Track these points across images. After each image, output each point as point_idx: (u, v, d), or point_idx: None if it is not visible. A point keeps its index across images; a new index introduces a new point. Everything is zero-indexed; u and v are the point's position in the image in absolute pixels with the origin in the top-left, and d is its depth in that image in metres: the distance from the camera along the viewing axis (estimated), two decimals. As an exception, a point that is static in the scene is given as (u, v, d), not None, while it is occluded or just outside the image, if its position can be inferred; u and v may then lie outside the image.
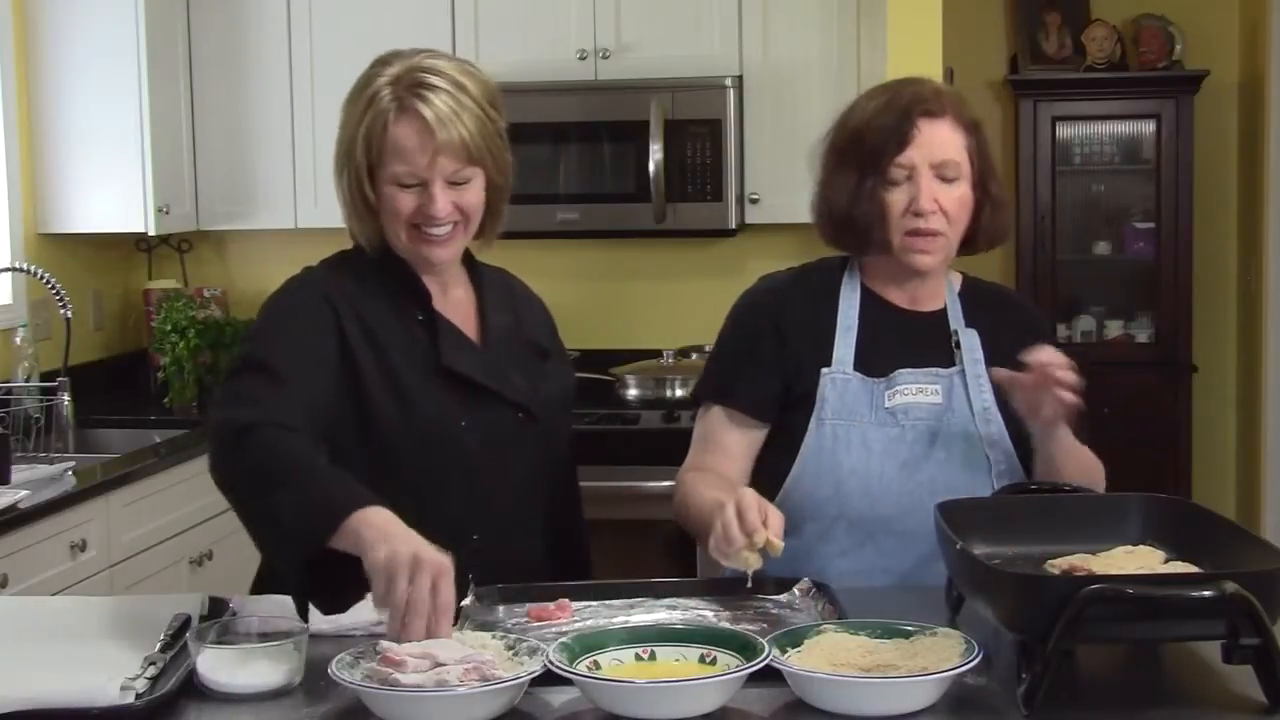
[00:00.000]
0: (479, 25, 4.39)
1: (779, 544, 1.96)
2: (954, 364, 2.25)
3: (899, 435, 2.21)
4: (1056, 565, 1.82)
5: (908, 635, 1.76)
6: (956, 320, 2.29)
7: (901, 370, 2.23)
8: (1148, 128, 5.65)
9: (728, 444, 2.28)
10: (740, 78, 4.29)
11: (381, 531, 1.78)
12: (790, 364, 2.25)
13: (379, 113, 2.08)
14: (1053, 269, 5.68)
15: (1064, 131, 5.69)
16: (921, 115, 2.19)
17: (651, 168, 4.21)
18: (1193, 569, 1.76)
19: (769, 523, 1.96)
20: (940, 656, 1.68)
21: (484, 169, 2.13)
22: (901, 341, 2.26)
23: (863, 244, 2.26)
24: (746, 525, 1.94)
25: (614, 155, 4.34)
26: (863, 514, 2.20)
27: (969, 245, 2.28)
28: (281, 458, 1.90)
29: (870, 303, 2.29)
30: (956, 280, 2.35)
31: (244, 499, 1.94)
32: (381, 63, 2.13)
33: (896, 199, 2.20)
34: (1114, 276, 5.82)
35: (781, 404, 2.26)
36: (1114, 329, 5.73)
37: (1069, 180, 5.73)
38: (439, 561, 1.74)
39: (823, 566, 2.19)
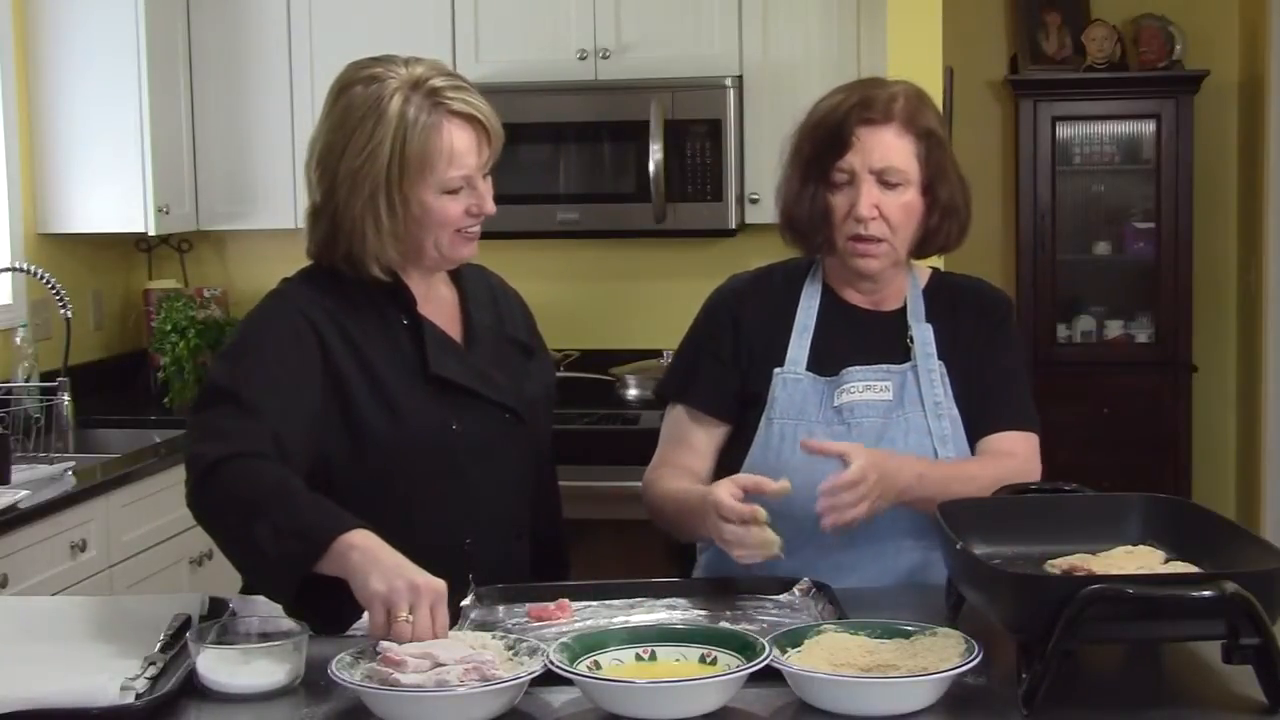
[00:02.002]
0: (479, 25, 4.39)
1: (784, 485, 2.03)
2: (908, 359, 2.25)
3: (844, 433, 2.21)
4: (1056, 565, 1.82)
5: (908, 635, 1.76)
6: (915, 316, 2.28)
7: (851, 368, 2.23)
8: (1148, 128, 5.65)
9: (692, 441, 2.30)
10: (740, 78, 4.29)
11: (371, 558, 1.77)
12: (746, 363, 2.28)
13: (420, 124, 2.04)
14: (1053, 269, 5.68)
15: (1064, 131, 5.69)
16: (861, 123, 2.19)
17: (651, 168, 4.21)
18: (1193, 569, 1.76)
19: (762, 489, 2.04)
20: (940, 656, 1.68)
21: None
22: (857, 341, 2.27)
23: (809, 245, 2.28)
24: (740, 517, 2.00)
25: (614, 155, 4.34)
26: (806, 512, 2.17)
27: (919, 250, 2.28)
28: (256, 488, 1.88)
29: (830, 303, 2.29)
30: (923, 276, 2.35)
31: (224, 533, 1.93)
32: (372, 79, 2.07)
33: (838, 203, 2.22)
34: (1114, 276, 5.82)
35: (741, 402, 2.28)
36: (1114, 329, 5.73)
37: (1069, 180, 5.73)
38: (435, 587, 1.75)
39: (770, 564, 2.19)
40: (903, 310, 2.30)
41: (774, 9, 4.27)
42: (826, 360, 2.25)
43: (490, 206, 2.12)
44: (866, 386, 2.23)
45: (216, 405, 1.99)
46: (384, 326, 2.13)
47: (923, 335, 2.26)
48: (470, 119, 2.08)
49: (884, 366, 2.24)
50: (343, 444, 2.07)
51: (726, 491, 2.03)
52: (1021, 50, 5.71)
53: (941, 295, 2.32)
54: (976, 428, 2.26)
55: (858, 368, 2.23)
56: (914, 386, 2.23)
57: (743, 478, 2.07)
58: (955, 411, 2.24)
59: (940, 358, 2.25)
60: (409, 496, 2.09)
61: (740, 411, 2.28)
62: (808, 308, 2.29)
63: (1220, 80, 5.63)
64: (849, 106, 2.21)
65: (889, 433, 2.21)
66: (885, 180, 2.19)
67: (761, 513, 2.01)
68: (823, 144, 2.22)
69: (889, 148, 2.19)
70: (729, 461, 2.28)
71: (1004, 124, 5.85)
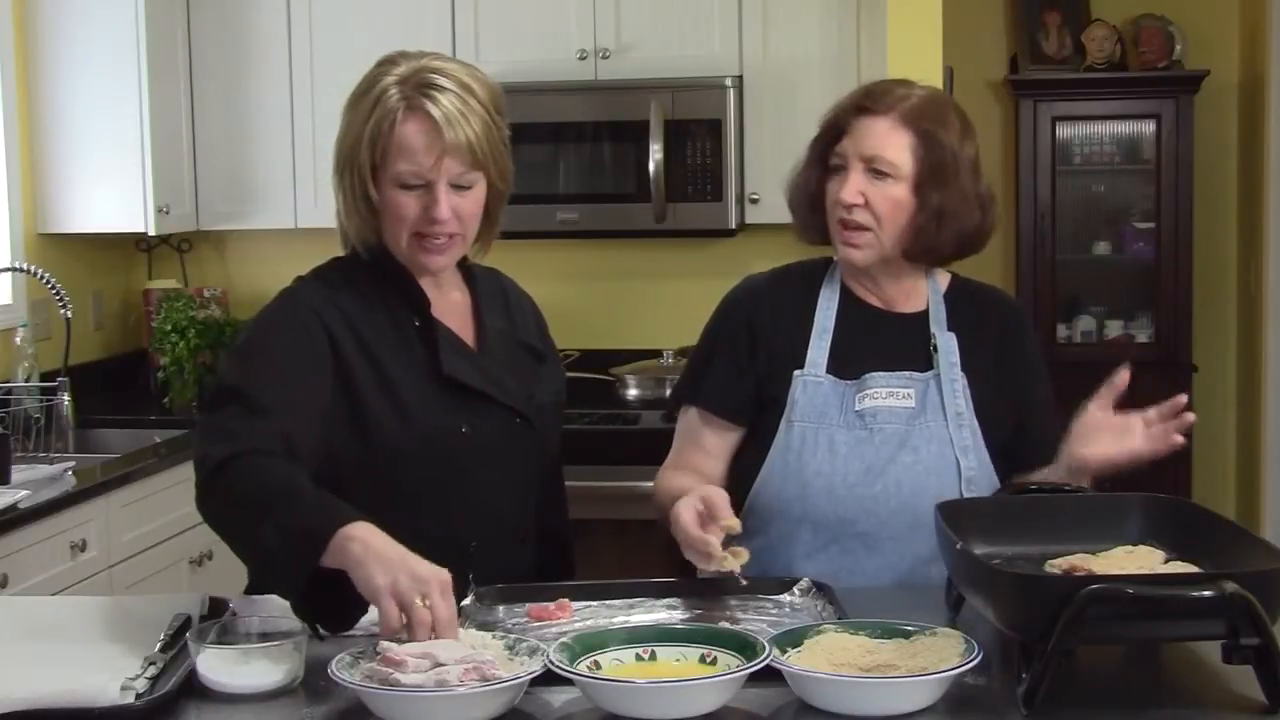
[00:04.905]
0: (479, 25, 4.39)
1: (734, 523, 2.02)
2: (931, 367, 2.24)
3: (866, 438, 2.20)
4: (1056, 565, 1.82)
5: (908, 635, 1.76)
6: (937, 322, 2.28)
7: (873, 373, 2.22)
8: (1148, 128, 5.64)
9: (705, 444, 2.30)
10: (740, 78, 4.29)
11: (372, 552, 1.76)
12: (763, 365, 2.26)
13: (386, 111, 2.05)
14: (1053, 269, 5.67)
15: (1064, 131, 5.69)
16: (859, 113, 2.21)
17: (651, 168, 4.21)
18: (1193, 569, 1.76)
19: (717, 514, 2.02)
20: (940, 656, 1.68)
21: (487, 174, 2.10)
22: (877, 344, 2.26)
23: (807, 229, 2.30)
24: (692, 543, 2.02)
25: (614, 155, 4.34)
26: (826, 516, 2.20)
27: (913, 253, 2.23)
28: (261, 487, 1.87)
29: (849, 304, 2.29)
30: (943, 281, 2.34)
31: (231, 533, 1.93)
32: (387, 63, 2.11)
33: (831, 189, 2.23)
34: (1114, 276, 5.81)
35: (756, 404, 2.27)
36: (1114, 329, 5.73)
37: (1069, 180, 5.73)
38: (440, 576, 1.74)
39: (787, 568, 2.20)
40: (923, 315, 2.29)
41: (774, 9, 4.27)
42: (846, 363, 2.24)
43: (441, 213, 2.06)
44: (890, 393, 2.22)
45: (224, 406, 1.99)
46: (396, 327, 2.13)
47: (947, 345, 2.25)
48: (430, 119, 2.04)
49: (907, 373, 2.23)
50: (351, 443, 2.07)
51: (690, 510, 2.03)
52: (1021, 50, 5.71)
53: (962, 302, 2.31)
54: (1018, 459, 2.27)
55: (880, 373, 2.23)
56: (936, 395, 2.23)
57: (708, 497, 2.05)
58: (975, 423, 2.23)
59: (962, 369, 2.25)
60: (416, 497, 2.09)
61: (757, 414, 2.27)
62: (826, 309, 2.28)
63: (1220, 80, 5.63)
64: (853, 97, 2.25)
65: (911, 440, 2.20)
66: (875, 169, 2.19)
67: (713, 543, 2.00)
68: (824, 130, 2.26)
69: (881, 137, 2.19)
70: (748, 465, 2.27)
71: (1004, 124, 5.85)
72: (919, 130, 2.20)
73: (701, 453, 2.30)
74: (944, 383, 2.23)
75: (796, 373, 2.24)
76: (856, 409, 2.21)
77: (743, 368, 2.28)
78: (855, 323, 2.27)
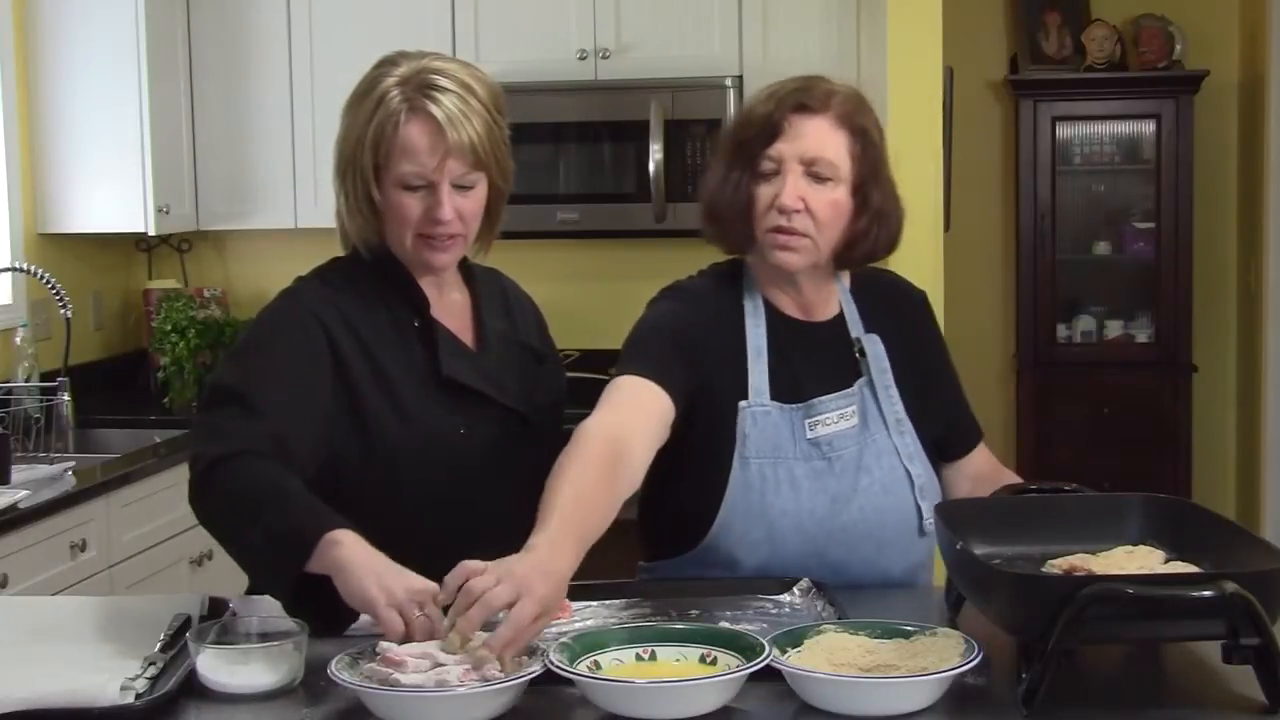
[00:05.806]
0: (479, 25, 4.39)
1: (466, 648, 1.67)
2: (860, 374, 2.19)
3: (825, 469, 2.14)
4: (1056, 565, 1.82)
5: (908, 635, 1.76)
6: (855, 326, 2.21)
7: (820, 399, 2.14)
8: (1148, 128, 5.65)
9: (641, 401, 2.09)
10: (740, 78, 4.29)
11: (359, 561, 1.77)
12: (706, 381, 2.13)
13: (389, 113, 2.05)
14: (1053, 269, 5.68)
15: (1064, 131, 5.70)
16: (795, 110, 2.11)
17: (651, 168, 4.21)
18: (1193, 569, 1.76)
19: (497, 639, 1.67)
20: (940, 656, 1.68)
21: (488, 174, 2.10)
22: (808, 359, 2.18)
23: (730, 237, 2.18)
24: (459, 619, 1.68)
25: (614, 155, 4.35)
26: (796, 551, 2.13)
27: (845, 256, 2.17)
28: (251, 488, 1.88)
29: (772, 318, 2.19)
30: (847, 280, 2.25)
31: (221, 533, 1.94)
32: (388, 64, 2.10)
33: (764, 192, 2.12)
34: (1114, 276, 5.82)
35: (697, 421, 2.13)
36: (1114, 329, 5.73)
37: (1069, 180, 5.73)
38: (431, 590, 1.74)
39: (770, 564, 2.14)
40: (840, 319, 2.22)
41: (774, 9, 4.27)
42: (785, 384, 2.15)
43: (444, 214, 2.06)
44: (840, 415, 2.15)
45: (221, 406, 2.00)
46: (396, 328, 2.13)
47: (875, 350, 2.19)
48: (433, 120, 2.04)
49: (845, 392, 2.16)
50: (351, 444, 2.07)
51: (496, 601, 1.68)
52: (1021, 50, 5.72)
53: (870, 297, 2.24)
54: (947, 448, 2.27)
55: (825, 397, 2.15)
56: (873, 404, 2.17)
57: (475, 610, 1.68)
58: (911, 425, 2.19)
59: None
60: (416, 498, 2.09)
61: (699, 443, 2.14)
62: (755, 326, 2.18)
63: (1220, 80, 5.63)
64: (784, 94, 2.13)
65: (864, 460, 2.15)
66: (814, 173, 2.10)
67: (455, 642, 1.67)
68: (752, 131, 2.13)
69: (821, 138, 2.11)
70: (699, 501, 2.15)
71: (1004, 124, 5.86)
72: (854, 128, 2.12)
73: (636, 408, 2.08)
74: (878, 389, 2.18)
75: (742, 404, 2.14)
76: (809, 438, 2.14)
77: (692, 360, 2.14)
78: (784, 339, 2.18)
